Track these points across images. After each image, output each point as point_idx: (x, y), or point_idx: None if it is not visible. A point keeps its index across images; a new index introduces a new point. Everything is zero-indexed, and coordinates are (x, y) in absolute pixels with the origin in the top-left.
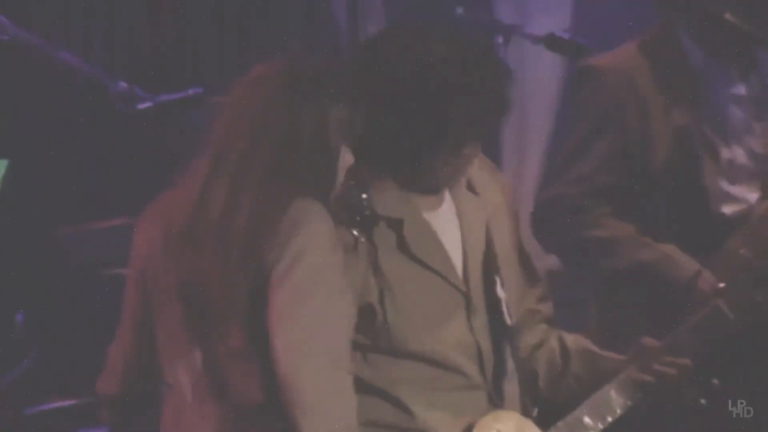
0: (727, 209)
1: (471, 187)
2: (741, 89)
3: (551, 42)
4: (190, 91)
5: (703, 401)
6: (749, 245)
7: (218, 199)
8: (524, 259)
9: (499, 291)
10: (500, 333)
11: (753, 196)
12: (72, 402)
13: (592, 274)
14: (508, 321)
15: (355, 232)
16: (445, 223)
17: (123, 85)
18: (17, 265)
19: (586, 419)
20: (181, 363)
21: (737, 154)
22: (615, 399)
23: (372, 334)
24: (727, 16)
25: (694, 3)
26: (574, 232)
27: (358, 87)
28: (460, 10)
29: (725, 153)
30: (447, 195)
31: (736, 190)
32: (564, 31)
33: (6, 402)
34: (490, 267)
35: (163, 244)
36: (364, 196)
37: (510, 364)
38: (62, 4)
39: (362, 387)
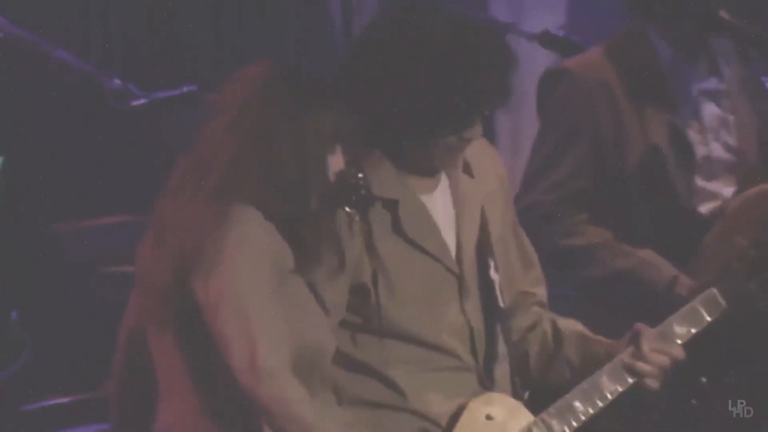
0: (704, 207)
1: (468, 170)
2: (713, 83)
3: (546, 39)
4: (185, 89)
5: (693, 401)
6: (745, 233)
7: (181, 204)
8: (519, 242)
9: (493, 274)
10: (492, 315)
11: (729, 190)
12: (67, 399)
13: (571, 282)
14: (501, 304)
15: (350, 211)
16: (440, 205)
17: (118, 82)
18: (12, 262)
19: (577, 403)
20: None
21: (713, 148)
22: (606, 384)
23: (365, 313)
24: (722, 13)
25: (662, 6)
26: (551, 241)
27: (358, 68)
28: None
29: (701, 149)
30: (443, 177)
31: (712, 186)
32: (559, 28)
33: (1, 399)
34: (483, 250)
35: (147, 244)
36: (360, 175)
37: (501, 347)
38: (57, 1)
39: (354, 366)
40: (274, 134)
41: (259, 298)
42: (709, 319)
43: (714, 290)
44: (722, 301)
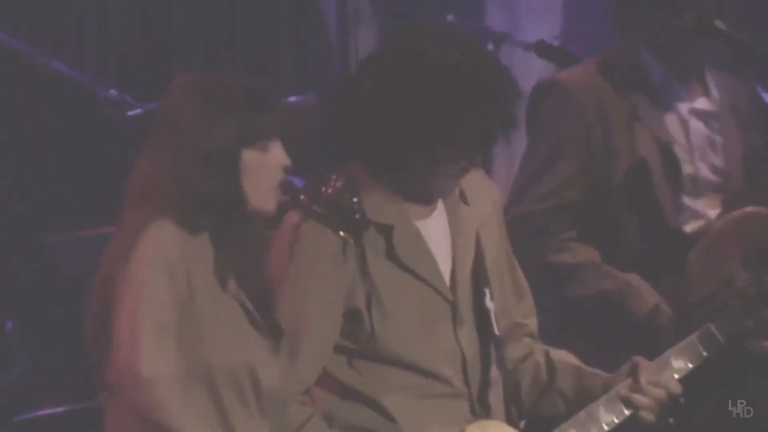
0: (688, 226)
1: (463, 197)
2: (703, 104)
3: (542, 49)
4: None
5: (671, 420)
6: (730, 256)
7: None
8: (512, 271)
9: (488, 302)
10: (486, 343)
11: (714, 211)
12: (62, 409)
13: (555, 299)
14: (497, 331)
15: (343, 236)
16: (436, 231)
17: (113, 92)
18: (7, 273)
19: None
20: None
21: (699, 168)
22: (603, 415)
23: (358, 339)
24: (717, 23)
25: (655, 20)
26: (541, 256)
27: (362, 94)
28: (450, 17)
29: (687, 168)
30: (439, 203)
31: (698, 205)
32: (554, 38)
33: None
34: (479, 277)
35: None
36: (354, 199)
37: (494, 375)
38: (53, 11)
39: (346, 392)
40: (183, 143)
41: (153, 306)
42: (705, 354)
43: (711, 326)
44: (720, 338)
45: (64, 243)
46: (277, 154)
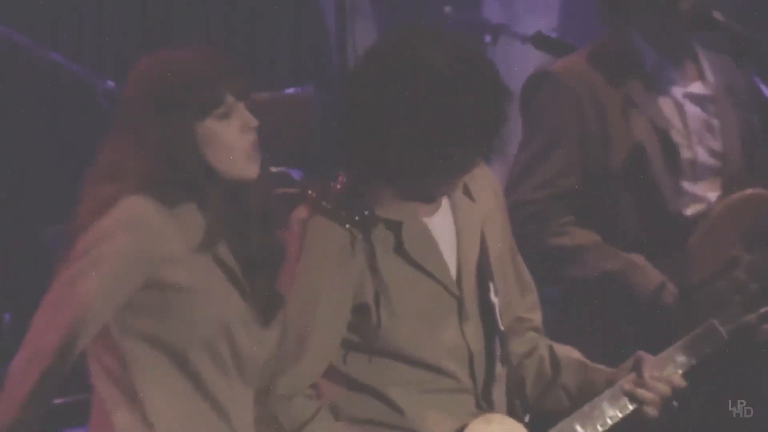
0: (689, 209)
1: (467, 193)
2: (698, 88)
3: (539, 41)
4: None
5: (675, 403)
6: (729, 239)
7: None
8: (516, 266)
9: (493, 297)
10: (492, 338)
11: (714, 195)
12: (61, 400)
13: (556, 282)
14: (501, 327)
15: (351, 230)
16: (441, 227)
17: (111, 83)
18: (5, 265)
19: (578, 427)
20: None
21: (698, 152)
22: (607, 410)
23: (365, 333)
24: (715, 14)
25: (651, 10)
26: (539, 240)
27: (355, 100)
28: (448, 9)
29: (686, 152)
30: (444, 199)
31: (697, 189)
32: (552, 30)
33: None
34: (484, 272)
35: None
36: (363, 195)
37: (498, 370)
38: (51, 4)
39: (352, 385)
40: (139, 127)
41: (104, 270)
42: (709, 350)
43: (714, 322)
44: (723, 333)
45: (62, 235)
46: (239, 118)
